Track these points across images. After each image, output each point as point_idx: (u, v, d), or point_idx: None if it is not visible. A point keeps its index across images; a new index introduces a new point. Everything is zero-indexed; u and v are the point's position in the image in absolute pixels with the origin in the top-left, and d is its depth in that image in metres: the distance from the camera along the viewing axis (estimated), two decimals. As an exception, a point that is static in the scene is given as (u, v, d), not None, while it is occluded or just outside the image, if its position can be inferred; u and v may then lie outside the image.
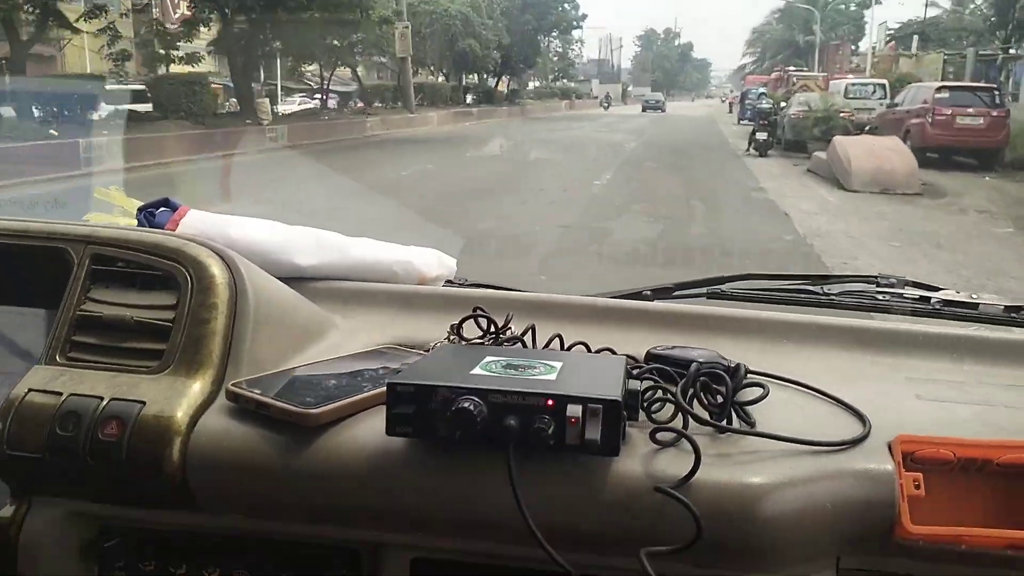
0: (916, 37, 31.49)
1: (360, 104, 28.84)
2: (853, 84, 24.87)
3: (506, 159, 16.60)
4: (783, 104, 21.50)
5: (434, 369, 0.75)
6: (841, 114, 17.31)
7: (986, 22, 33.98)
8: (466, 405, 0.66)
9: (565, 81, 64.72)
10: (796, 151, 18.11)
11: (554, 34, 52.09)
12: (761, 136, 17.25)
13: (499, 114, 36.86)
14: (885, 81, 24.69)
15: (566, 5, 43.41)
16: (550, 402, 0.67)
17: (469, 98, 40.31)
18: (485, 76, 43.08)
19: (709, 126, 33.82)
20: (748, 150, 18.06)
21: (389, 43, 26.63)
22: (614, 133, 27.01)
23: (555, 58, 62.50)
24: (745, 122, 34.14)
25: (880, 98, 22.47)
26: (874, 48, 43.31)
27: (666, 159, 16.90)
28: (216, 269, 0.86)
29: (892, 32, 44.05)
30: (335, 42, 24.16)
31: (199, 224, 1.06)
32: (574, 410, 0.66)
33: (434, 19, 32.84)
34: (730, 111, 52.94)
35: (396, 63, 28.55)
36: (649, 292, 1.19)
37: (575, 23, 43.73)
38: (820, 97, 18.94)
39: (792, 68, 30.33)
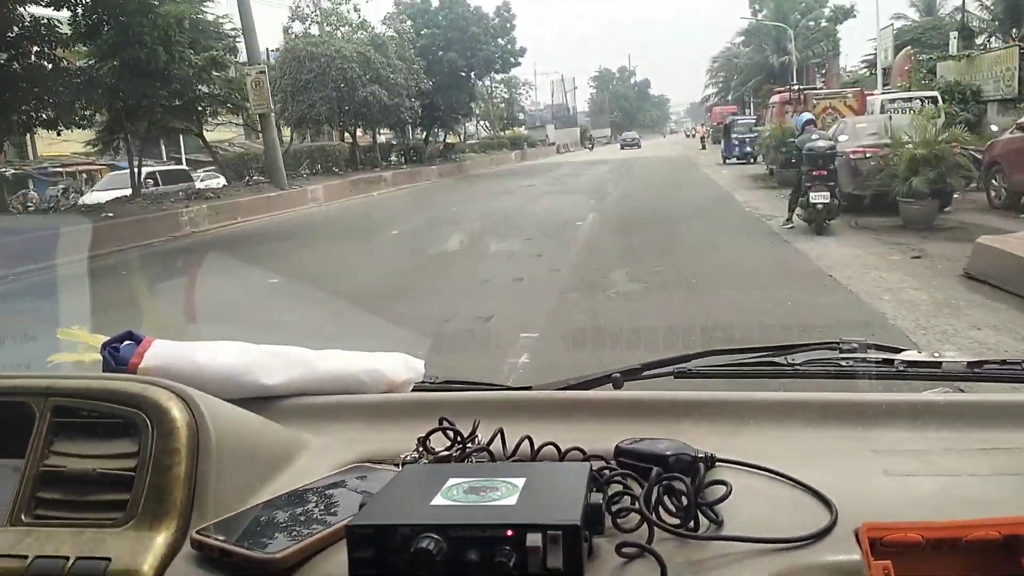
0: (955, 35, 24.53)
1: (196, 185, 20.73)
2: (893, 100, 17.70)
3: (362, 277, 8.67)
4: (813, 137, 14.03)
5: (395, 502, 0.75)
6: (953, 149, 9.67)
7: (995, 20, 27.55)
8: (425, 544, 0.66)
9: (515, 129, 57.82)
10: (862, 213, 10.56)
11: (494, 76, 45.28)
12: (820, 199, 9.56)
13: (426, 175, 29.30)
14: (936, 94, 17.57)
15: (500, 40, 36.27)
16: (510, 532, 0.67)
17: (393, 157, 32.80)
18: (412, 130, 35.76)
19: (692, 171, 26.52)
20: (789, 221, 10.45)
21: (245, 96, 18.96)
22: (566, 194, 19.52)
23: (501, 104, 55.71)
24: (733, 161, 27.45)
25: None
26: (864, 63, 36.83)
27: (649, 254, 9.06)
28: (176, 412, 0.85)
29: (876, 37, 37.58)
30: (151, 100, 16.09)
31: (165, 355, 1.06)
32: (534, 539, 0.66)
33: (323, 63, 25.32)
34: (703, 147, 46.44)
35: (256, 122, 20.60)
36: (618, 375, 1.21)
37: (513, 59, 36.51)
38: (884, 124, 11.31)
39: (797, 86, 22.49)
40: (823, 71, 45.26)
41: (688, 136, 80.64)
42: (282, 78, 26.39)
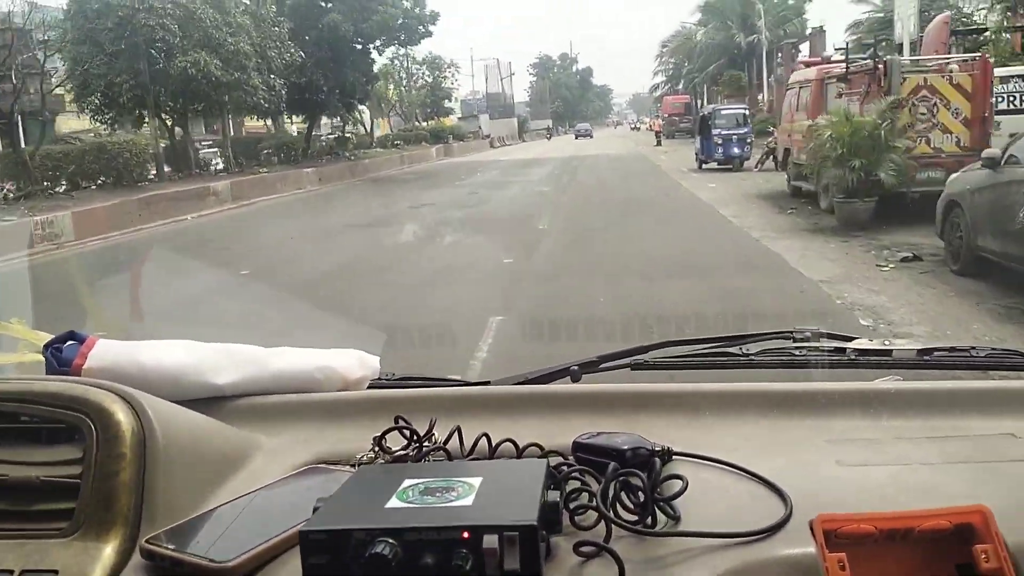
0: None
1: None
2: (1008, 78, 10.55)
3: None
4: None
5: (350, 505, 0.74)
6: None
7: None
8: (380, 549, 0.65)
9: (441, 119, 49.67)
10: None
11: (406, 51, 37.12)
12: None
13: (296, 182, 21.02)
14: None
15: (404, 1, 27.93)
16: (466, 534, 0.66)
17: (266, 158, 24.41)
18: (280, 119, 27.31)
19: (658, 180, 18.92)
20: None
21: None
22: (468, 230, 11.70)
23: (422, 89, 47.51)
24: (712, 166, 19.91)
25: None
26: (856, 37, 30.19)
27: None
28: (122, 415, 0.82)
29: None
30: None
31: (109, 355, 1.03)
32: (491, 540, 0.66)
33: (122, 18, 16.93)
34: (658, 142, 39.43)
35: None
36: (576, 367, 1.21)
37: (421, 27, 28.27)
38: None
39: (872, 51, 14.51)
40: (795, 52, 38.66)
41: (633, 128, 73.77)
42: (74, 42, 17.92)
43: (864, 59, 11.47)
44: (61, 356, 1.02)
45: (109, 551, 0.75)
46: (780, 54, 40.83)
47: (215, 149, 23.39)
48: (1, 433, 0.85)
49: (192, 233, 13.30)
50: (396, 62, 43.77)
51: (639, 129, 72.47)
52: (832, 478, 0.84)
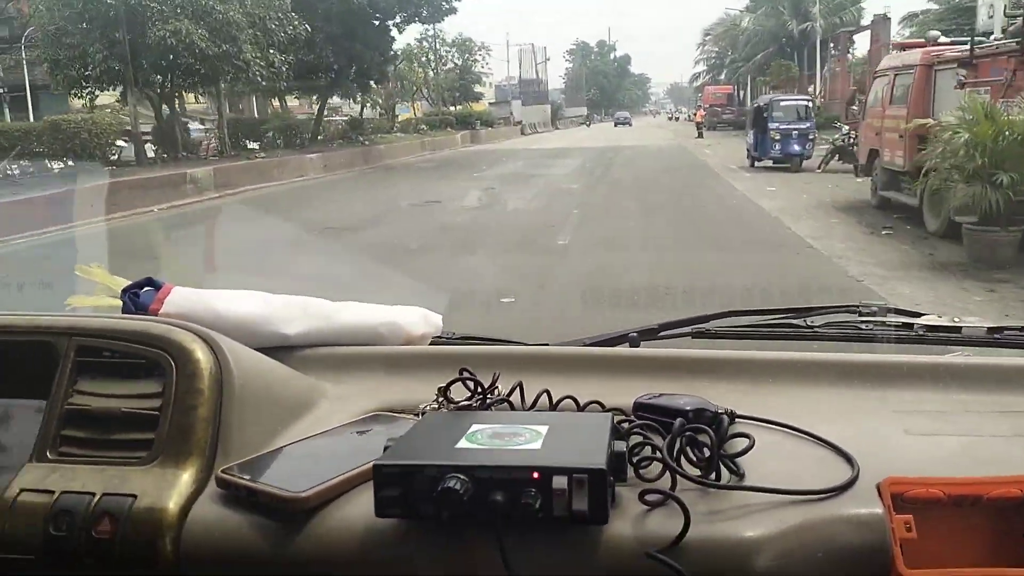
0: None
1: None
2: None
3: None
4: None
5: (420, 444, 0.75)
6: None
7: None
8: (452, 484, 0.66)
9: (470, 104, 47.20)
10: None
11: (433, 30, 34.78)
12: None
13: (297, 168, 18.78)
14: None
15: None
16: (536, 475, 0.67)
17: (257, 143, 22.25)
18: (284, 97, 25.05)
19: (709, 182, 16.13)
20: None
21: None
22: (483, 239, 9.25)
23: (451, 71, 45.13)
24: (767, 163, 17.15)
25: None
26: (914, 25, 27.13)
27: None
28: (200, 353, 0.86)
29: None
30: None
31: (184, 302, 1.05)
32: (560, 482, 0.67)
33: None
34: (699, 134, 36.62)
35: None
36: (635, 334, 1.20)
37: (445, 1, 25.75)
38: None
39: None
40: (851, 42, 35.50)
41: (672, 119, 70.65)
42: (48, 8, 15.88)
43: (1006, 39, 8.64)
44: (138, 301, 1.04)
45: (186, 478, 0.78)
46: (835, 44, 37.67)
47: (206, 129, 21.18)
48: (84, 367, 0.87)
49: (125, 236, 11.01)
50: (425, 43, 41.46)
51: (677, 119, 69.34)
52: (900, 445, 0.83)
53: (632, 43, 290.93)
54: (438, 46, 41.69)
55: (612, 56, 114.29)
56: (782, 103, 17.99)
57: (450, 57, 45.43)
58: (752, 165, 18.17)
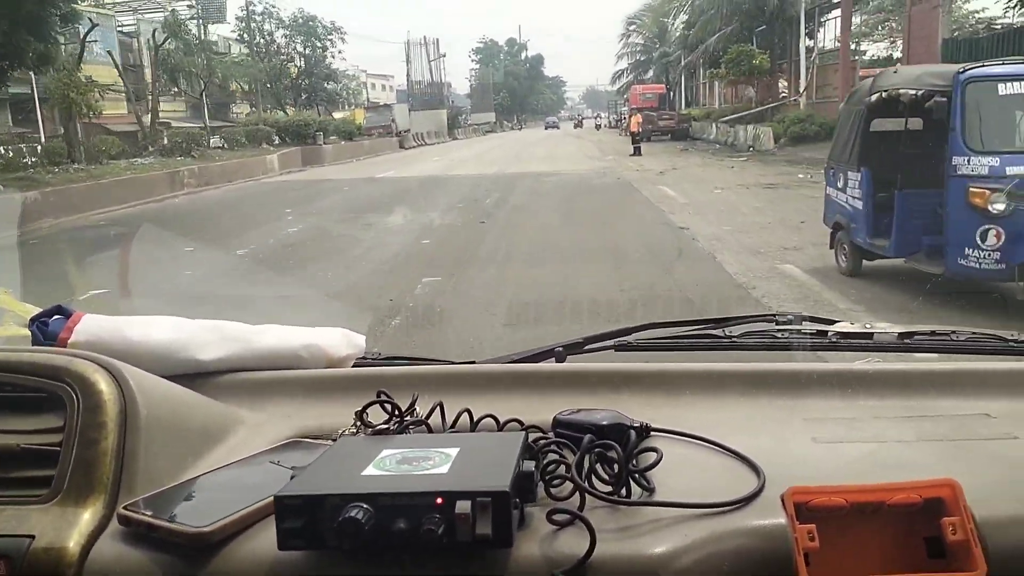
0: None
1: None
2: None
3: None
4: None
5: (325, 473, 0.74)
6: None
7: None
8: (353, 514, 0.66)
9: (318, 108, 34.32)
10: None
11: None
12: None
13: None
14: None
15: None
16: (439, 500, 0.67)
17: None
18: None
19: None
20: None
21: None
22: None
23: (284, 62, 32.27)
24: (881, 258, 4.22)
25: None
26: None
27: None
28: (103, 384, 0.83)
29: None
30: None
31: (95, 329, 1.03)
32: (463, 506, 0.66)
33: None
34: (635, 150, 25.28)
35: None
36: (561, 348, 1.22)
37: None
38: None
39: None
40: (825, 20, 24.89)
41: (597, 126, 59.30)
42: None
43: None
44: (47, 330, 1.02)
45: (87, 517, 0.76)
46: (820, 19, 26.95)
47: None
48: None
49: None
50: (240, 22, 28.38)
51: (599, 127, 58.10)
52: (806, 454, 0.85)
53: (544, 41, 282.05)
54: (253, 23, 28.66)
55: (523, 56, 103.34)
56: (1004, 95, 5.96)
57: (290, 43, 32.49)
58: (850, 267, 6.45)
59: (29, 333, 1.04)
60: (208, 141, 23.85)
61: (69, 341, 1.00)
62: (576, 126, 73.00)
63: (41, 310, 1.06)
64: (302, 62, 33.09)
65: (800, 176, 15.70)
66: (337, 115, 39.41)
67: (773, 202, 11.80)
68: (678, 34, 46.05)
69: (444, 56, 64.05)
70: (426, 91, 59.89)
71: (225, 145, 23.71)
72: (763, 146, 24.23)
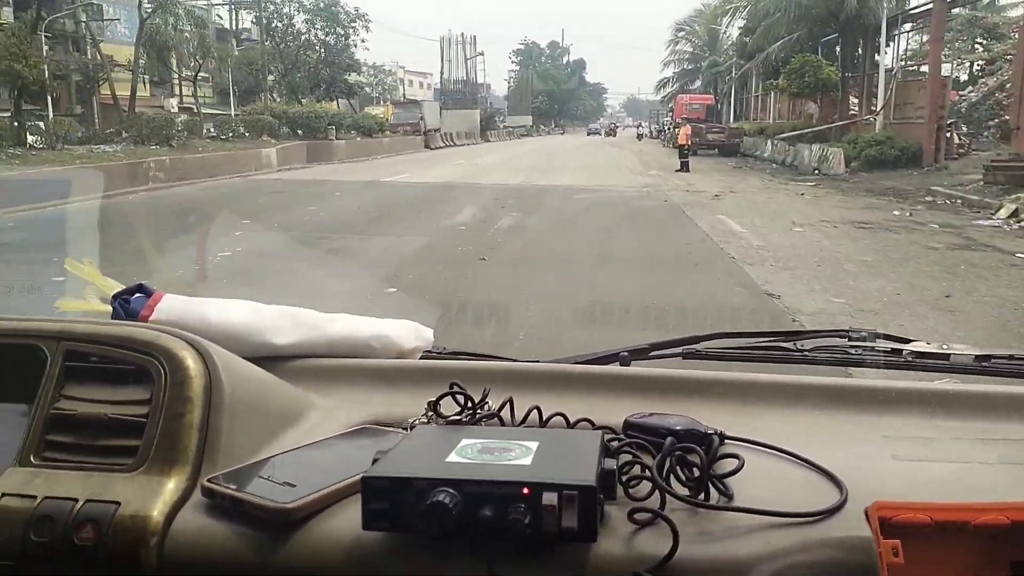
0: None
1: None
2: None
3: None
4: None
5: (409, 457, 0.74)
6: None
7: None
8: (441, 498, 0.66)
9: (337, 101, 31.65)
10: None
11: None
12: None
13: None
14: None
15: None
16: (526, 490, 0.67)
17: None
18: None
19: None
20: None
21: None
22: None
23: (302, 49, 29.69)
24: None
25: None
26: None
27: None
28: (190, 361, 0.85)
29: None
30: None
31: (175, 309, 1.05)
32: (550, 498, 0.66)
33: None
34: (682, 165, 22.27)
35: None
36: (626, 353, 1.19)
37: None
38: None
39: None
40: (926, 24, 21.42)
41: (639, 136, 56.00)
42: None
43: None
44: (128, 307, 1.04)
45: (171, 487, 0.77)
46: (904, 28, 23.60)
47: None
48: (72, 372, 0.86)
49: None
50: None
51: (641, 138, 54.82)
52: (888, 471, 0.83)
53: (587, 46, 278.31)
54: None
55: (565, 60, 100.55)
56: None
57: (311, 31, 29.91)
58: None
59: (110, 309, 1.04)
60: (201, 130, 21.22)
61: (150, 319, 1.00)
62: (608, 134, 69.53)
63: (124, 287, 1.06)
64: (323, 50, 30.44)
65: (896, 213, 12.52)
66: (372, 111, 36.84)
67: (883, 253, 8.70)
68: (732, 40, 42.80)
69: (482, 54, 61.44)
70: (460, 90, 57.22)
71: (221, 135, 21.06)
72: (831, 169, 20.99)
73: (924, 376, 1.14)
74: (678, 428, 0.83)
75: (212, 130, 21.52)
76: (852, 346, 1.22)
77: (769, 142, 29.74)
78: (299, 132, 25.59)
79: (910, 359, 1.17)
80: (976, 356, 1.16)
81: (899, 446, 0.88)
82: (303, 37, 29.72)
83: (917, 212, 12.67)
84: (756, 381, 1.03)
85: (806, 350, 1.20)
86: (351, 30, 31.06)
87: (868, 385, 1.02)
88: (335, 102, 32.27)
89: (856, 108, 26.00)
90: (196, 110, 23.41)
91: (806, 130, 26.60)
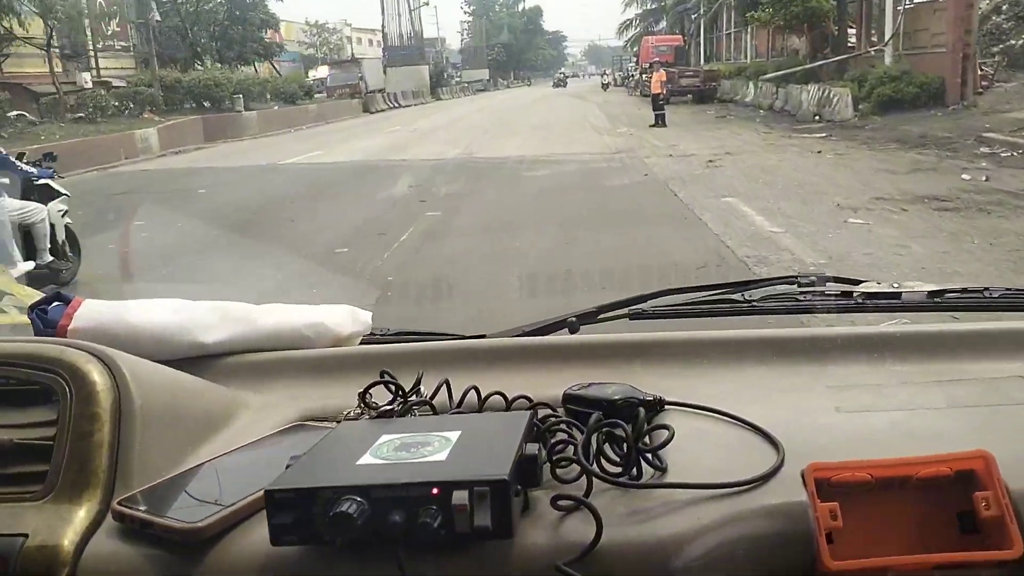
0: None
1: None
2: None
3: None
4: None
5: (320, 463, 0.72)
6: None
7: None
8: (345, 508, 0.63)
9: (248, 64, 27.10)
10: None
11: None
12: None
13: None
14: None
15: None
16: (436, 491, 0.64)
17: None
18: None
19: None
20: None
21: None
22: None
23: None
24: None
25: None
26: None
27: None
28: (96, 375, 0.81)
29: None
30: None
31: (96, 316, 1.01)
32: (460, 496, 0.63)
33: None
34: (657, 119, 18.61)
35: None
36: (574, 319, 1.17)
37: None
38: None
39: None
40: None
41: (604, 86, 51.61)
42: None
43: None
44: (47, 317, 1.01)
45: (82, 514, 0.74)
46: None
47: None
48: None
49: None
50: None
51: (607, 87, 50.48)
52: (830, 425, 0.81)
53: None
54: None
55: (520, 8, 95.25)
56: None
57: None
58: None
59: (27, 320, 1.02)
60: (65, 108, 17.02)
61: (69, 328, 0.97)
62: (556, 85, 64.15)
63: (42, 295, 1.04)
64: (227, 4, 25.79)
65: (966, 178, 9.03)
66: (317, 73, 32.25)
67: (1004, 265, 5.22)
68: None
69: (427, 3, 56.39)
70: (406, 45, 52.41)
71: (87, 116, 16.87)
72: (836, 114, 17.47)
73: (875, 319, 1.12)
74: (615, 398, 0.80)
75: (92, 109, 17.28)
76: (802, 292, 1.20)
77: (751, 85, 26.08)
78: (205, 104, 21.41)
79: (861, 300, 1.15)
80: (929, 292, 1.14)
81: (844, 396, 0.86)
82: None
83: (992, 174, 9.18)
84: (699, 339, 1.00)
85: (754, 300, 1.18)
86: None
87: (813, 334, 1.00)
88: (253, 66, 27.78)
89: (854, 40, 22.35)
90: (54, 81, 18.91)
91: (794, 68, 22.96)
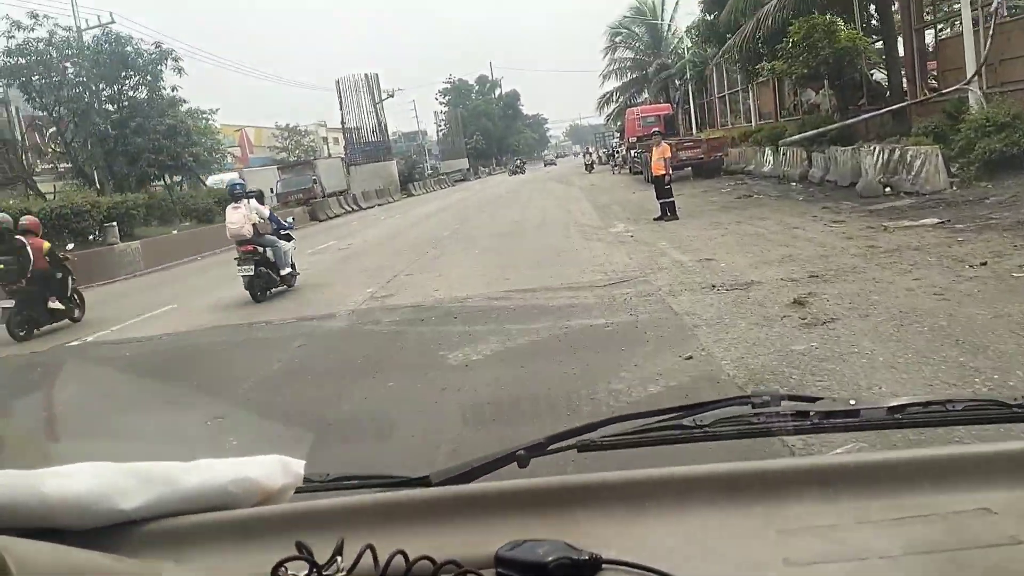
0: None
1: None
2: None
3: None
4: None
5: None
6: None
7: None
8: None
9: (173, 180, 22.07)
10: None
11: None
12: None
13: None
14: None
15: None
16: None
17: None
18: None
19: None
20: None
21: None
22: None
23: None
24: None
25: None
26: None
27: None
28: None
29: None
30: None
31: (6, 487, 0.97)
32: None
33: None
34: (665, 211, 13.19)
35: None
36: (523, 452, 1.15)
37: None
38: None
39: None
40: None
41: (588, 166, 46.90)
42: None
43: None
44: None
45: None
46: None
47: None
48: None
49: None
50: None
51: (591, 167, 45.77)
52: None
53: (520, 77, 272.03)
54: None
55: (496, 93, 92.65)
56: None
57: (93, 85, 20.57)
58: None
59: None
60: None
61: None
62: (513, 173, 59.38)
63: None
64: (122, 109, 20.91)
65: None
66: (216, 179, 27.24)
67: None
68: (681, 36, 34.70)
69: (390, 96, 52.57)
70: (370, 141, 48.16)
71: None
72: (924, 183, 12.24)
73: (834, 438, 1.02)
74: (548, 559, 0.78)
75: None
76: (755, 414, 1.16)
77: (768, 151, 21.12)
78: (74, 239, 16.16)
79: (817, 420, 1.13)
80: (888, 408, 1.12)
81: (793, 544, 0.83)
82: (82, 91, 20.05)
83: None
84: (643, 479, 0.98)
85: (706, 425, 1.15)
86: (157, 73, 21.42)
87: (763, 468, 0.97)
88: (163, 181, 22.77)
89: (885, 80, 17.37)
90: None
91: (827, 127, 17.97)
